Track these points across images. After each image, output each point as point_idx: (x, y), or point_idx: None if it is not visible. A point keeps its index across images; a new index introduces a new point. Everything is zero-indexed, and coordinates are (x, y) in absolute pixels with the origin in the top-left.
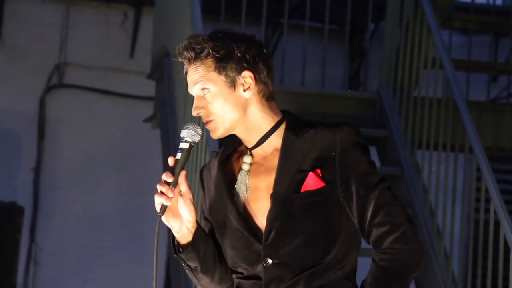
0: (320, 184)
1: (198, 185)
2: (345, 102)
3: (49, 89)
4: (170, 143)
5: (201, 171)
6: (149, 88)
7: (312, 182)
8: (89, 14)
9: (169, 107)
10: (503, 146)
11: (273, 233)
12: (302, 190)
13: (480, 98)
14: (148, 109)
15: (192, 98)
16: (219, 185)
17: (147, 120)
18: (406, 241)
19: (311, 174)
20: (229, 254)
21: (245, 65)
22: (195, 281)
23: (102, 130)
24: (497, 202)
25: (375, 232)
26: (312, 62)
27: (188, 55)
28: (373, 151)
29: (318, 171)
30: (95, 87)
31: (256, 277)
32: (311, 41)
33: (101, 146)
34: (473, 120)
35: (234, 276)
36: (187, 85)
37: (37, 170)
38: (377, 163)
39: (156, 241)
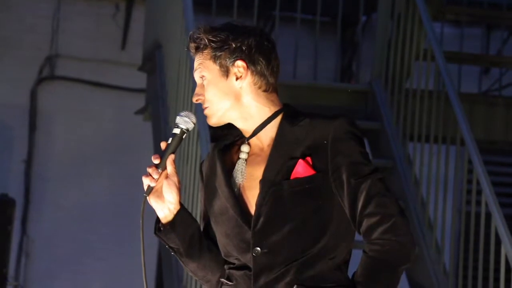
0: (310, 172)
1: (198, 178)
2: (337, 95)
3: (40, 81)
4: (161, 135)
5: (201, 165)
6: (140, 80)
7: (301, 169)
8: (81, 6)
9: (161, 99)
10: (494, 138)
11: (261, 219)
12: (292, 177)
13: (471, 91)
14: (139, 101)
15: (182, 90)
16: (217, 173)
17: (139, 112)
18: (397, 232)
19: (300, 161)
20: (222, 242)
21: (239, 55)
22: (184, 266)
23: (93, 122)
24: (488, 194)
25: (365, 223)
26: (304, 55)
27: (191, 46)
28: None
29: (309, 159)
30: (86, 79)
31: (246, 267)
32: (303, 33)
33: (92, 138)
34: (464, 113)
35: (226, 266)
36: (178, 77)
37: (29, 162)
38: (369, 156)
39: (141, 221)
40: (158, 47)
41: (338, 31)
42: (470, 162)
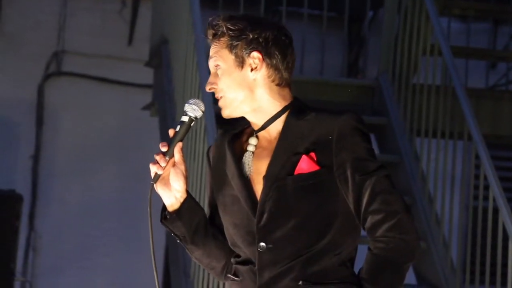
0: (314, 167)
1: (205, 163)
2: (344, 90)
3: (47, 77)
4: (168, 131)
5: (208, 150)
6: (147, 75)
7: (305, 165)
8: (87, 2)
9: (167, 95)
10: (501, 133)
11: (265, 215)
12: (296, 173)
13: (478, 85)
14: (146, 96)
15: (189, 85)
16: (227, 163)
17: (146, 108)
18: (401, 230)
19: (304, 157)
20: (230, 231)
21: (256, 47)
22: (189, 254)
23: (100, 118)
24: (495, 189)
25: (370, 220)
26: (311, 50)
27: (209, 33)
28: (371, 138)
29: (313, 154)
30: (93, 74)
31: (251, 262)
32: (310, 28)
33: (99, 133)
34: (471, 107)
35: (232, 260)
36: (185, 72)
37: (36, 157)
38: (376, 151)
39: (149, 208)
40: (164, 42)
41: (345, 27)
42: (477, 157)
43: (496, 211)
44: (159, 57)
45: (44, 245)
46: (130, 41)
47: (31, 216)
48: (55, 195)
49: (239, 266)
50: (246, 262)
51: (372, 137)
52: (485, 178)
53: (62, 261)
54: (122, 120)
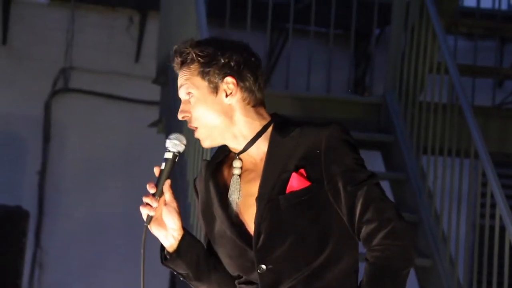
0: (305, 183)
1: (194, 196)
2: (350, 107)
3: (54, 93)
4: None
5: (194, 180)
6: (154, 92)
7: (295, 183)
8: (94, 18)
9: (174, 112)
10: (508, 151)
11: (262, 236)
12: (287, 191)
13: (485, 103)
14: (153, 113)
15: None
16: (212, 194)
17: (152, 125)
18: (396, 237)
19: (294, 175)
20: (225, 262)
21: (229, 71)
22: None
23: (107, 134)
24: (502, 208)
25: (364, 230)
26: (317, 67)
27: (176, 60)
28: (378, 156)
29: (302, 171)
30: (100, 91)
31: (255, 283)
32: (316, 46)
33: (106, 150)
34: (478, 125)
35: (236, 282)
36: None
37: (42, 174)
38: (382, 169)
39: (142, 251)
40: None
41: (352, 44)
42: (484, 175)
43: (503, 229)
44: (166, 74)
45: (51, 262)
46: (137, 58)
47: (38, 232)
48: (62, 211)
49: (244, 286)
50: (251, 282)
51: (379, 154)
52: (492, 196)
53: (68, 278)
54: (129, 136)
